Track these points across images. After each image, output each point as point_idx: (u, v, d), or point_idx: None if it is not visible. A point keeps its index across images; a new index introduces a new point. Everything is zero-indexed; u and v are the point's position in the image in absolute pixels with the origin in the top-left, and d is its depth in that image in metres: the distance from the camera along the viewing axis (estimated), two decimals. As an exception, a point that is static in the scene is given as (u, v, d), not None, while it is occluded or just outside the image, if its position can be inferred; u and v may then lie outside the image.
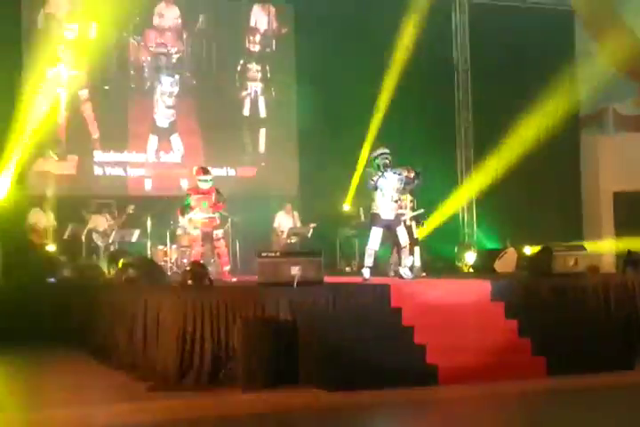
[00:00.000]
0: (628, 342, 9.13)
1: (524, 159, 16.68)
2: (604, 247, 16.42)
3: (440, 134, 16.67)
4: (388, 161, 10.03)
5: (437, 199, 15.70)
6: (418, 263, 11.10)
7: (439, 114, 16.76)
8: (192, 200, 11.07)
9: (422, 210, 11.48)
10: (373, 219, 10.10)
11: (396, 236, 10.16)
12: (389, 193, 9.99)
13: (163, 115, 15.58)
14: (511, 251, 11.97)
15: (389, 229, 10.13)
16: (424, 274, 11.18)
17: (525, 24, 16.78)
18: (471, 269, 12.81)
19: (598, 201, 17.49)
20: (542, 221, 16.03)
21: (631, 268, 10.04)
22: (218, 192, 11.23)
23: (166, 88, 15.61)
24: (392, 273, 11.00)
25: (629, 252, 10.72)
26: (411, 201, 11.25)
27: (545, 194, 16.63)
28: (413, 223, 11.17)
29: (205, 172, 11.24)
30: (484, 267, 11.73)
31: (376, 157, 10.12)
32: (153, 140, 15.40)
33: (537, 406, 7.00)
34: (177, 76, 15.73)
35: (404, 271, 10.12)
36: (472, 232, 16.53)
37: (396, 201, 10.08)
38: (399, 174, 10.08)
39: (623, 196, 16.93)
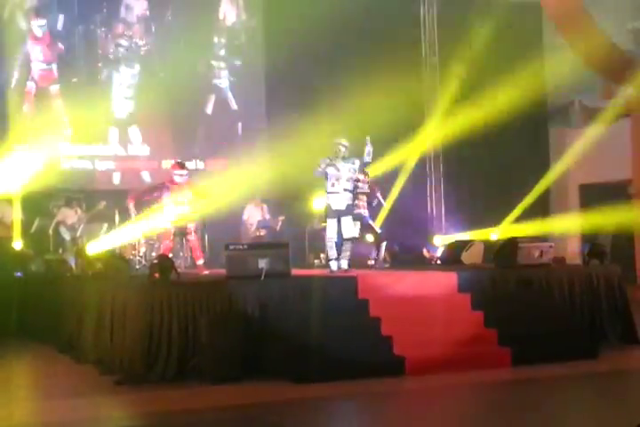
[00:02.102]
0: (591, 332, 9.28)
1: (493, 151, 16.84)
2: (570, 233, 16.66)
3: (408, 133, 16.67)
4: (340, 151, 9.91)
5: (406, 192, 15.80)
6: (381, 256, 11.18)
7: (408, 106, 16.76)
8: (165, 194, 11.04)
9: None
10: (327, 210, 10.05)
11: (340, 225, 9.94)
12: (340, 183, 9.89)
13: (121, 106, 15.47)
14: (478, 243, 12.04)
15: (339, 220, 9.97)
16: (387, 266, 11.25)
17: (493, 17, 16.84)
18: (438, 261, 12.87)
19: (566, 193, 17.66)
20: (510, 213, 16.14)
21: (595, 259, 10.15)
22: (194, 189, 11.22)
23: (125, 79, 15.50)
24: (386, 264, 11.07)
25: (593, 244, 10.84)
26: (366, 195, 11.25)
27: (513, 185, 16.75)
28: (369, 220, 11.20)
29: (182, 166, 11.23)
30: (451, 259, 11.79)
31: (334, 144, 10.00)
32: (113, 133, 15.31)
33: (502, 395, 7.09)
34: (137, 67, 15.60)
35: (342, 263, 9.97)
36: (440, 224, 16.61)
37: (350, 191, 9.97)
38: (352, 164, 9.97)
39: (589, 188, 17.10)
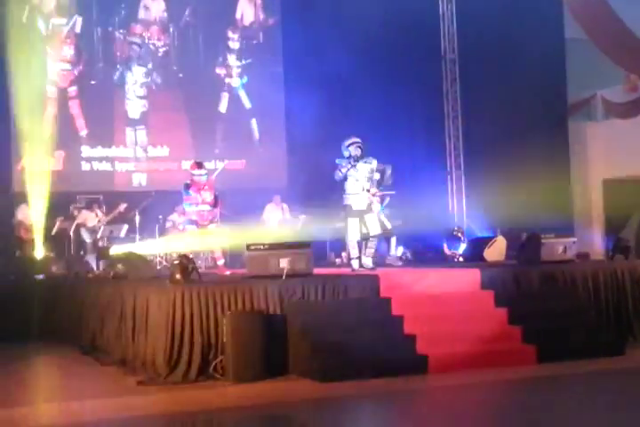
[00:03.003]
0: (617, 328, 9.18)
1: (513, 147, 16.75)
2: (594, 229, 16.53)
3: (428, 125, 16.65)
4: (360, 150, 9.92)
5: (426, 188, 15.73)
6: (394, 253, 11.10)
7: (427, 105, 16.73)
8: (191, 193, 11.07)
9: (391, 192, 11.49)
10: (347, 210, 10.01)
11: (365, 224, 9.98)
12: (360, 183, 9.90)
13: (136, 107, 15.47)
14: (500, 239, 11.98)
15: (362, 219, 10.01)
16: (400, 263, 11.17)
17: (514, 11, 16.75)
18: (461, 259, 12.80)
19: (588, 188, 17.51)
20: (532, 209, 16.01)
21: (620, 254, 10.04)
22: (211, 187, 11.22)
23: (138, 78, 15.51)
24: (399, 263, 11.02)
25: (618, 238, 10.74)
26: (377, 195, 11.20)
27: (534, 181, 16.62)
28: (384, 215, 11.10)
29: (200, 166, 11.24)
30: (474, 256, 11.72)
31: (347, 147, 9.97)
32: (131, 134, 15.34)
33: (527, 392, 7.02)
34: (150, 66, 15.61)
35: (365, 261, 9.99)
36: (461, 221, 16.52)
37: (368, 190, 9.97)
38: (370, 163, 9.98)
39: (612, 182, 16.94)
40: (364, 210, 9.96)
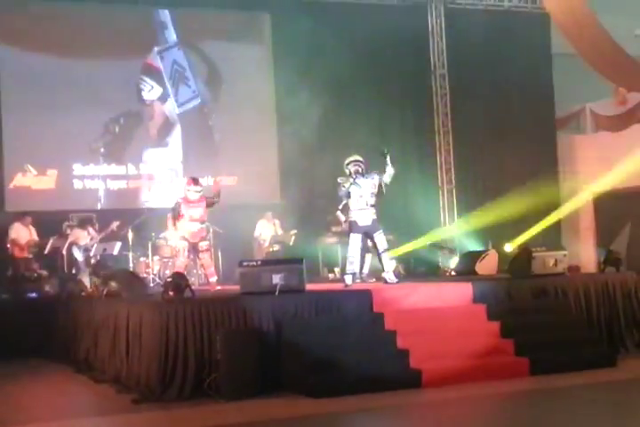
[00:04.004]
0: (609, 340, 9.22)
1: (503, 160, 16.86)
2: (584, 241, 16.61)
3: (419, 139, 16.75)
4: (360, 168, 10.07)
5: (418, 202, 15.82)
6: (366, 270, 11.18)
7: (417, 118, 16.84)
8: (183, 210, 11.08)
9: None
10: (351, 226, 10.14)
11: (374, 242, 10.18)
12: (364, 199, 10.02)
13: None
14: (492, 253, 12.01)
15: (367, 235, 10.17)
16: (373, 280, 11.19)
17: (501, 27, 16.92)
18: (453, 273, 12.83)
19: (577, 201, 17.57)
20: (523, 222, 16.08)
21: (611, 267, 10.10)
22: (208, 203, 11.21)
23: None
24: (372, 279, 11.02)
25: (609, 251, 10.79)
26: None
27: (525, 194, 16.69)
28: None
29: (196, 182, 11.26)
30: (466, 270, 11.76)
31: (347, 164, 10.15)
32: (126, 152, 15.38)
33: (521, 405, 7.05)
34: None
35: (389, 276, 10.13)
36: (453, 235, 16.57)
37: (372, 206, 10.08)
38: (372, 178, 10.09)
39: (602, 195, 17.00)
40: (369, 225, 10.06)
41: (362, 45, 15.86)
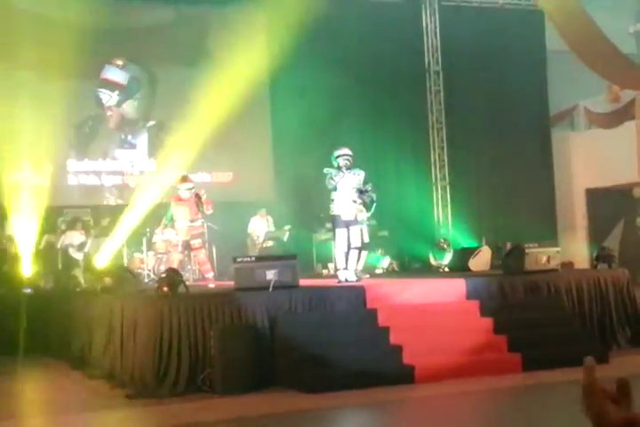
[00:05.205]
0: (602, 336, 9.27)
1: (497, 157, 16.90)
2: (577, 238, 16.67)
3: (413, 136, 16.78)
4: (348, 162, 10.00)
5: (412, 199, 15.86)
6: (360, 266, 10.94)
7: (412, 116, 16.86)
8: (173, 208, 11.07)
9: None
10: (335, 221, 10.05)
11: (348, 235, 9.94)
12: (348, 194, 9.94)
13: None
14: (485, 249, 12.06)
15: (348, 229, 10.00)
16: (367, 276, 11.10)
17: (496, 25, 16.95)
18: (446, 269, 12.88)
19: (571, 198, 17.65)
20: (516, 219, 16.14)
21: (604, 263, 10.14)
22: (199, 199, 11.17)
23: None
24: (366, 275, 11.00)
25: (602, 247, 10.83)
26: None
27: (518, 191, 16.77)
28: (364, 227, 11.04)
29: (186, 180, 11.25)
30: (459, 266, 11.80)
31: (337, 158, 10.04)
32: (118, 148, 15.37)
33: (513, 401, 7.09)
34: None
35: (348, 274, 9.91)
36: (447, 231, 16.62)
37: (355, 201, 10.01)
38: (358, 175, 10.05)
39: (595, 192, 17.08)
40: (351, 220, 10.01)
41: (356, 43, 15.86)
